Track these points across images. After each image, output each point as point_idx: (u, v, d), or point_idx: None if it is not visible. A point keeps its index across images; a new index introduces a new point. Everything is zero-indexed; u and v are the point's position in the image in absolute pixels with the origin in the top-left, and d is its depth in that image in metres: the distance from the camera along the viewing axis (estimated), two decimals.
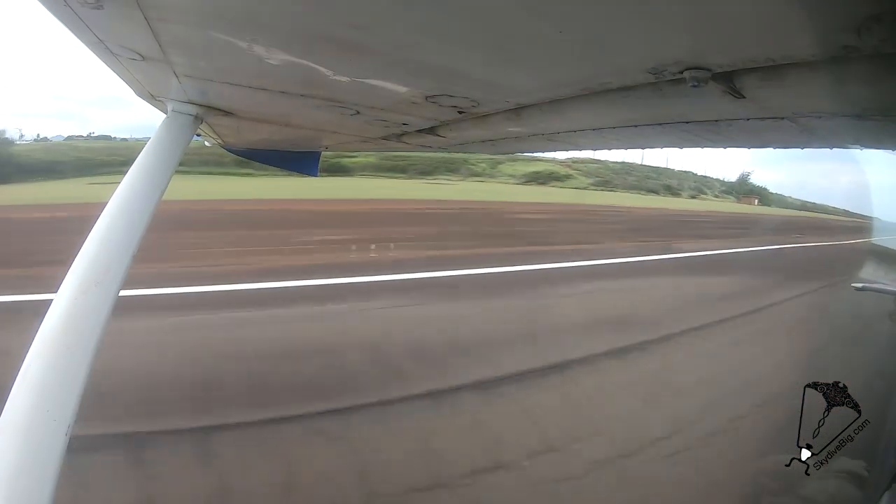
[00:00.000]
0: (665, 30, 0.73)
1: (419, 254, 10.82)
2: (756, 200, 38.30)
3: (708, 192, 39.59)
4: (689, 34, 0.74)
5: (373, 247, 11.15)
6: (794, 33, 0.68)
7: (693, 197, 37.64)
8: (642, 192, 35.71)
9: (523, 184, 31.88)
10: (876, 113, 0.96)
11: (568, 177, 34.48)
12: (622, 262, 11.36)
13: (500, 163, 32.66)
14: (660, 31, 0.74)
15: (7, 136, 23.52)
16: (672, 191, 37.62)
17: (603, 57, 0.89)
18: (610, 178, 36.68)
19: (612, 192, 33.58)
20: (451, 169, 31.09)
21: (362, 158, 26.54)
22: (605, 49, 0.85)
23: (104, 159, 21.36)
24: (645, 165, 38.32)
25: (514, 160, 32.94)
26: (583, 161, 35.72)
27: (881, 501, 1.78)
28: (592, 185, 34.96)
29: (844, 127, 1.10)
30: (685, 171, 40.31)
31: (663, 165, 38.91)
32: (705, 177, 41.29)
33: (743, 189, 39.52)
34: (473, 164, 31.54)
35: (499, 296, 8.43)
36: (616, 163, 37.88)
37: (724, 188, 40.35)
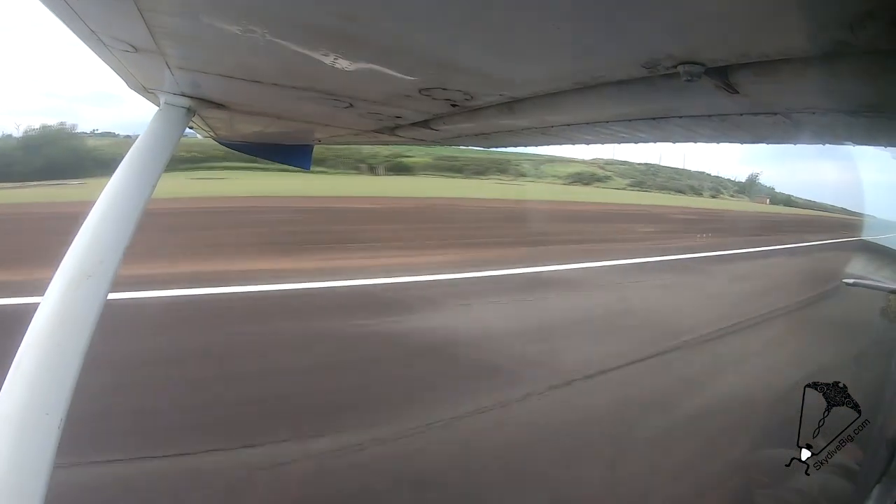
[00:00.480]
0: (659, 24, 0.73)
1: (725, 240, 16.17)
2: (767, 200, 39.00)
3: (724, 192, 40.40)
4: (683, 29, 0.74)
5: (698, 236, 16.55)
6: (787, 29, 0.68)
7: (713, 196, 38.80)
8: (671, 192, 37.02)
9: (570, 184, 34.01)
10: (869, 109, 0.96)
11: (608, 178, 36.20)
12: (807, 245, 17.00)
13: (541, 164, 34.95)
14: (654, 25, 0.73)
15: (78, 130, 23.62)
16: (695, 191, 38.66)
17: (597, 51, 0.89)
18: (642, 178, 37.92)
19: (648, 193, 35.46)
20: (500, 169, 33.19)
21: (420, 159, 29.85)
22: (600, 43, 0.84)
23: (188, 155, 22.13)
24: (665, 166, 39.89)
25: (552, 161, 35.71)
26: (611, 162, 37.66)
27: (872, 494, 1.79)
28: (629, 185, 36.18)
29: (838, 123, 1.10)
30: (700, 172, 41.97)
31: (680, 166, 40.55)
32: (718, 177, 42.52)
33: (754, 189, 40.18)
34: (517, 164, 33.67)
35: (813, 255, 14.69)
36: (641, 164, 39.65)
37: (736, 188, 41.19)
